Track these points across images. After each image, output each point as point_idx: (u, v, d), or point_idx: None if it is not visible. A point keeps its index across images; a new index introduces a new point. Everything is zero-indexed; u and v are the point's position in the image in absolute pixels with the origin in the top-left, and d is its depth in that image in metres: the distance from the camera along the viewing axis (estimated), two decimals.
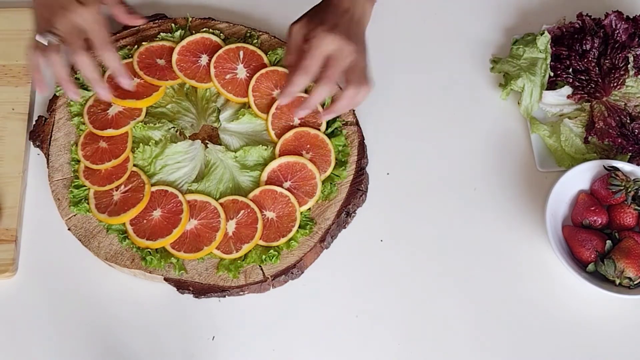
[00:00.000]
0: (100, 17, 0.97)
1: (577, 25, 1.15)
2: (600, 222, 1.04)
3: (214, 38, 1.14)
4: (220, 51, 1.12)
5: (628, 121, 1.08)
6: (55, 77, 0.99)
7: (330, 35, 0.93)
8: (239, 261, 1.01)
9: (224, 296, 1.02)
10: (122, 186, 1.04)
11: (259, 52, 1.13)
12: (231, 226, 1.02)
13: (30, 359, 1.00)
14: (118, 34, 1.16)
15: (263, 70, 1.11)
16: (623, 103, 1.09)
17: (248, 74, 1.12)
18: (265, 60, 1.13)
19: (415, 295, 1.04)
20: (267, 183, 1.05)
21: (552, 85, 1.13)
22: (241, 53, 1.13)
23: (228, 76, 1.11)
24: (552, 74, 1.12)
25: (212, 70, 1.11)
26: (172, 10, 1.20)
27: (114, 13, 1.06)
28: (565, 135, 1.10)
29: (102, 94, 1.01)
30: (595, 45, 1.12)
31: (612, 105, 1.09)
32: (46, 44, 0.97)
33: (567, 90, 1.12)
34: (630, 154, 1.07)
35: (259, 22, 1.21)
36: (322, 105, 1.09)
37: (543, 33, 1.13)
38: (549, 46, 1.12)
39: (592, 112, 1.10)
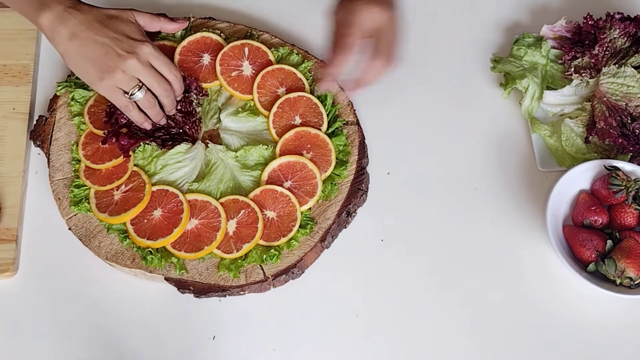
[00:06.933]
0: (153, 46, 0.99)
1: (581, 25, 1.15)
2: (601, 221, 1.04)
3: (215, 37, 1.14)
4: (226, 48, 1.12)
5: (629, 121, 1.08)
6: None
7: (367, 7, 0.91)
8: (239, 261, 1.01)
9: (225, 296, 1.02)
10: (123, 186, 1.04)
11: (264, 48, 1.13)
12: (232, 226, 1.02)
13: (31, 358, 1.00)
14: None
15: (269, 68, 1.11)
16: (624, 103, 1.09)
17: (254, 71, 1.12)
18: (271, 56, 1.13)
19: (415, 295, 1.04)
20: (267, 183, 1.05)
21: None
22: (246, 50, 1.12)
23: (234, 73, 1.11)
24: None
25: (218, 67, 1.11)
26: (172, 10, 1.20)
27: (161, 28, 1.07)
28: (566, 135, 1.10)
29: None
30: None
31: (613, 105, 1.09)
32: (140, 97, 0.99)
33: (568, 90, 1.12)
34: (631, 154, 1.07)
35: (259, 22, 1.21)
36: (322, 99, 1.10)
37: (543, 39, 1.13)
38: (549, 53, 1.13)
39: (593, 111, 1.10)
